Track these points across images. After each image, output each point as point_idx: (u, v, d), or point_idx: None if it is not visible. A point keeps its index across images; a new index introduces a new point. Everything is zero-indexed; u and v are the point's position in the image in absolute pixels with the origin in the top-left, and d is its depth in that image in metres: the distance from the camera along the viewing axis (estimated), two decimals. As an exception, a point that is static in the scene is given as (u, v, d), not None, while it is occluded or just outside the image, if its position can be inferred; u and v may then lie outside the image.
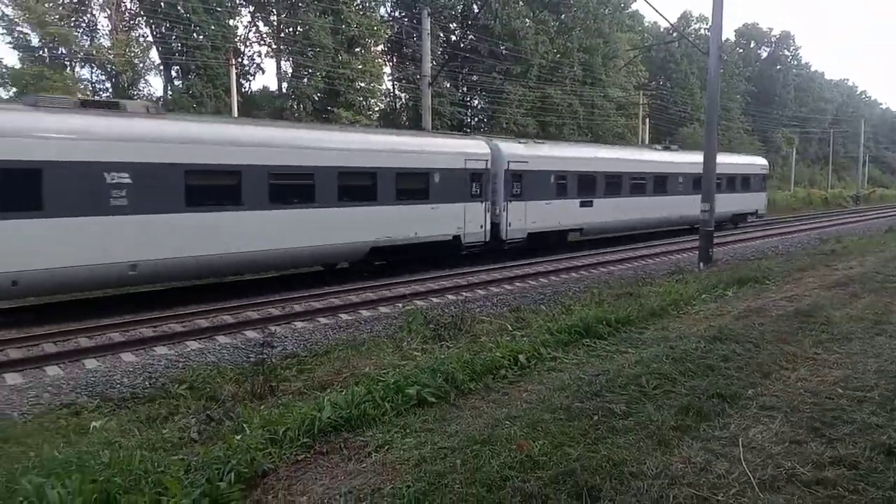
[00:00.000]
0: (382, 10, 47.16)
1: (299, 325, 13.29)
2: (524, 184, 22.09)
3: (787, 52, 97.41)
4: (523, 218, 22.10)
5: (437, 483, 4.72)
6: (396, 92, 49.63)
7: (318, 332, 12.89)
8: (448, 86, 47.20)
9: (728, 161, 32.77)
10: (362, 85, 43.25)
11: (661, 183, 28.59)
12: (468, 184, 20.18)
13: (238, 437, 5.53)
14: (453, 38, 49.79)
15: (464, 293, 16.46)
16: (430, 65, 28.18)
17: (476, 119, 52.21)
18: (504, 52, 47.62)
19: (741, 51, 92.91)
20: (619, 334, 9.44)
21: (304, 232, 16.09)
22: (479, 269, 20.10)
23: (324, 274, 18.80)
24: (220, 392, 8.25)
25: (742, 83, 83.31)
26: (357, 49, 42.82)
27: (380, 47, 45.87)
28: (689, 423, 5.83)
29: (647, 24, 77.30)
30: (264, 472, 5.04)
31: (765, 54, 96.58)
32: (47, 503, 4.51)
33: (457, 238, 20.03)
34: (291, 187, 15.88)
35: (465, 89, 51.14)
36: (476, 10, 47.64)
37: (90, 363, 10.59)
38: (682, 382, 6.90)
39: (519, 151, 22.33)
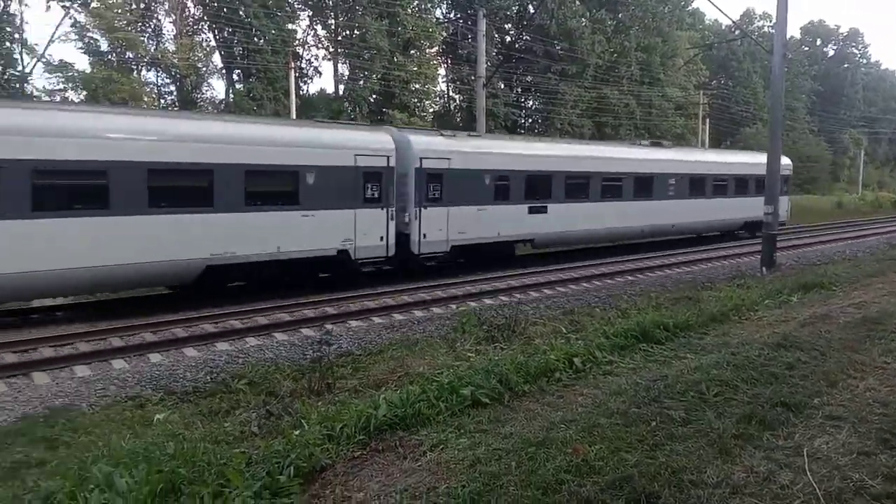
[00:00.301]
0: (438, 12, 47.46)
1: (354, 324, 13.45)
2: (446, 185, 18.27)
3: (855, 50, 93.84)
4: (444, 227, 18.31)
5: (491, 484, 4.72)
6: (450, 93, 49.82)
7: (372, 331, 13.02)
8: (502, 87, 47.12)
9: (737, 160, 29.83)
10: (417, 87, 43.59)
11: (644, 185, 24.50)
12: (360, 185, 16.38)
13: (297, 433, 5.64)
14: (508, 38, 49.65)
15: (516, 295, 16.39)
16: (485, 66, 28.19)
17: (530, 120, 51.96)
18: (559, 52, 47.24)
19: (807, 49, 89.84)
20: (678, 339, 9.25)
21: (89, 248, 12.37)
22: (531, 270, 19.96)
23: (377, 275, 18.79)
24: (279, 388, 8.44)
25: (808, 82, 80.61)
26: (412, 51, 43.16)
27: (435, 49, 46.12)
28: (751, 431, 5.66)
29: (707, 22, 75.58)
30: (322, 468, 5.13)
31: (832, 52, 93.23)
32: (116, 491, 4.69)
33: (344, 253, 16.30)
34: (71, 189, 12.28)
35: (519, 90, 50.94)
36: (532, 11, 47.40)
37: (154, 357, 10.95)
38: (744, 390, 6.71)
39: (437, 146, 18.52)
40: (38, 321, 12.79)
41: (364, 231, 16.49)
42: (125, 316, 13.45)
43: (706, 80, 63.83)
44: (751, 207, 28.70)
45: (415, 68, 42.45)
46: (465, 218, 18.79)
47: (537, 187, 20.75)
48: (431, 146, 18.35)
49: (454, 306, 15.05)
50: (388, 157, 17.03)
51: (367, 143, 16.93)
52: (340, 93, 42.25)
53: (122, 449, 5.74)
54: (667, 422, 5.86)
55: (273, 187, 15.12)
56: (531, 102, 52.56)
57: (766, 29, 74.14)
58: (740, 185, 28.83)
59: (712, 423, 5.80)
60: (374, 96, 42.35)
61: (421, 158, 17.75)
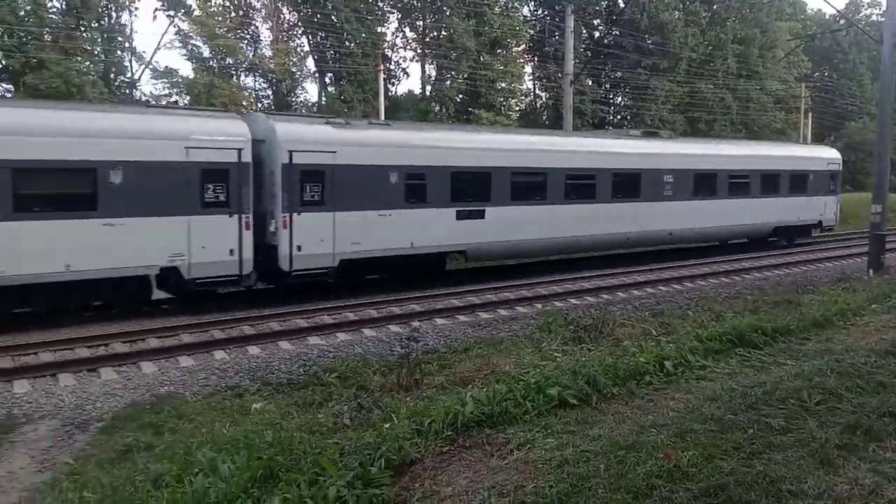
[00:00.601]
0: (525, 10, 47.19)
1: (439, 321, 13.63)
2: (330, 185, 14.73)
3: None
4: (329, 237, 14.75)
5: (579, 486, 4.69)
6: (537, 91, 49.44)
7: (457, 329, 13.16)
8: (590, 83, 46.33)
9: (764, 153, 25.45)
10: (503, 85, 43.51)
11: (628, 183, 20.47)
12: (197, 186, 13.24)
13: (387, 426, 5.79)
14: (597, 34, 48.78)
15: (603, 295, 16.12)
16: (573, 63, 27.83)
17: (619, 116, 50.87)
18: (650, 46, 45.97)
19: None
20: (777, 344, 8.84)
21: None
22: (618, 271, 19.56)
23: (463, 272, 18.90)
24: (369, 382, 8.67)
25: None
26: (499, 50, 43.14)
27: (521, 47, 45.90)
28: (856, 442, 5.37)
29: (809, 12, 71.64)
30: (411, 461, 5.24)
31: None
32: (219, 475, 4.96)
33: (173, 270, 13.24)
34: None
35: (607, 86, 49.95)
36: (622, 5, 46.36)
37: (252, 350, 11.47)
38: (848, 399, 6.36)
39: (315, 136, 14.92)
40: (147, 313, 13.61)
41: (204, 244, 13.33)
42: (226, 309, 14.11)
43: (808, 72, 60.47)
44: (784, 209, 24.69)
45: (501, 67, 42.37)
46: (360, 226, 15.24)
47: (469, 187, 16.95)
48: (307, 136, 14.86)
49: (539, 305, 14.98)
50: (239, 150, 13.72)
51: (207, 132, 13.63)
52: (427, 93, 42.75)
53: (224, 436, 6.07)
54: (765, 430, 5.64)
55: (60, 188, 12.20)
56: (620, 99, 51.42)
57: (874, 17, 69.47)
58: (768, 182, 24.33)
59: (814, 433, 5.53)
60: (461, 96, 42.60)
61: (290, 152, 14.30)
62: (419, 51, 43.36)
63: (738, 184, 23.42)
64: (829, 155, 27.37)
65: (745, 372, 7.58)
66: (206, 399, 9.61)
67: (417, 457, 5.35)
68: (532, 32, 44.73)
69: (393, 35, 43.60)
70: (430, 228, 16.36)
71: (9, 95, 28.54)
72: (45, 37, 28.36)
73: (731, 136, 46.51)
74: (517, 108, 47.09)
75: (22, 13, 28.00)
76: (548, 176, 18.50)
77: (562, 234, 18.86)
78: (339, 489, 4.62)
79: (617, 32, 46.10)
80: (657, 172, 21.26)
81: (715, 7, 50.97)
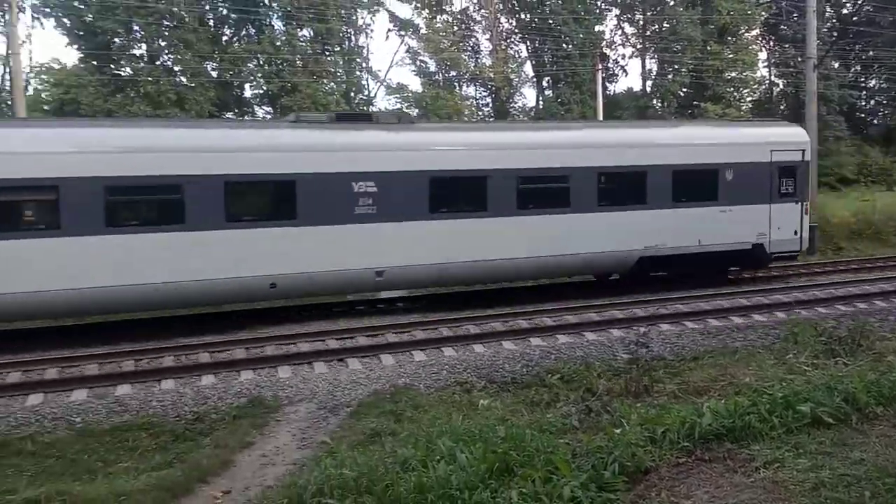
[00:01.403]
0: (758, -8, 43.56)
1: (665, 327, 13.06)
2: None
3: None
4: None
5: (840, 513, 4.25)
6: (772, 79, 45.37)
7: (685, 336, 12.53)
8: (836, 66, 41.44)
9: (600, 138, 16.58)
10: (732, 75, 40.58)
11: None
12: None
13: (618, 431, 5.71)
14: (844, 11, 43.51)
15: (856, 304, 14.33)
16: (815, 44, 25.09)
17: (872, 101, 44.93)
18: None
19: None
20: None
21: None
22: (874, 277, 17.25)
23: (695, 278, 17.82)
24: (595, 385, 8.61)
25: None
26: (728, 38, 40.32)
27: (754, 32, 42.45)
28: None
29: None
30: (646, 470, 5.13)
31: None
32: (458, 464, 5.26)
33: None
34: None
35: (857, 69, 44.31)
36: (876, -25, 40.86)
37: (478, 348, 11.92)
38: None
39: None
40: (385, 310, 14.79)
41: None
42: (452, 309, 14.82)
43: None
44: (659, 229, 15.93)
45: (730, 55, 39.54)
46: None
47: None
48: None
49: (780, 314, 13.73)
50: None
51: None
52: (648, 89, 41.30)
53: (460, 428, 6.42)
54: None
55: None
56: (873, 82, 45.33)
57: None
58: (618, 185, 15.89)
59: None
60: (684, 90, 40.51)
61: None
62: (639, 46, 42.04)
63: (541, 191, 15.15)
64: (785, 138, 17.71)
65: None
66: (437, 392, 10.21)
67: (652, 465, 5.22)
68: (766, 15, 41.14)
69: (611, 33, 42.78)
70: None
71: (268, 117, 32.68)
72: (297, 62, 32.04)
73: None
74: (749, 99, 43.59)
75: (278, 43, 31.94)
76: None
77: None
78: (574, 490, 4.66)
79: (869, 7, 40.70)
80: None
81: None
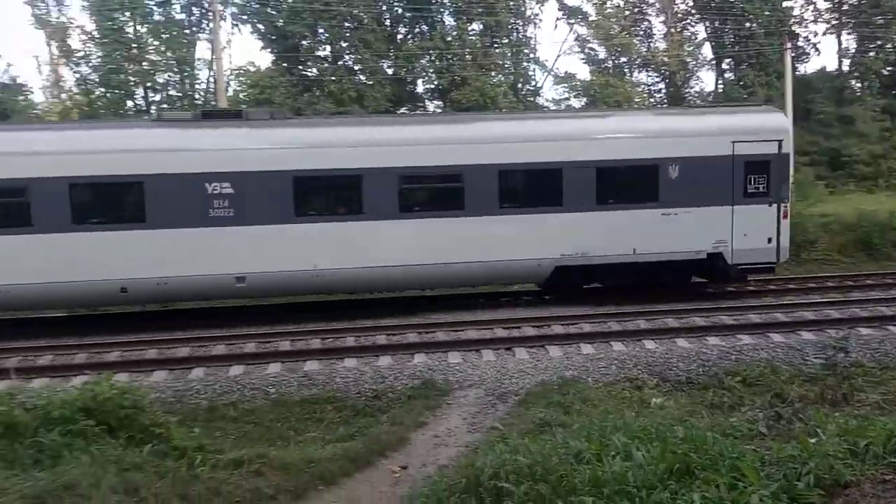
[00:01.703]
0: None
1: (864, 331, 11.88)
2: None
3: None
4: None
5: None
6: None
7: (887, 341, 11.34)
8: None
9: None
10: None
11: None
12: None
13: (812, 441, 5.29)
14: None
15: None
16: None
17: None
18: None
19: None
20: None
21: None
22: None
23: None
24: (785, 391, 8.04)
25: None
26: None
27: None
28: None
29: None
30: (846, 484, 4.71)
31: None
32: (634, 462, 5.15)
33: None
34: None
35: None
36: None
37: (648, 344, 11.54)
38: None
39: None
40: (548, 302, 14.81)
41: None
42: (623, 303, 14.43)
43: None
44: (578, 236, 14.06)
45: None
46: None
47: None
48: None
49: None
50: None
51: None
52: (845, 69, 37.32)
53: (634, 425, 6.27)
54: None
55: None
56: None
57: None
58: (525, 185, 14.39)
59: None
60: (889, 68, 36.14)
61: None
62: (833, 22, 38.07)
63: (428, 192, 14.20)
64: (743, 124, 15.04)
65: None
66: (606, 387, 10.07)
67: (852, 480, 4.77)
68: None
69: (801, 8, 39.10)
70: None
71: (438, 111, 33.64)
72: (467, 56, 32.65)
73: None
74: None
75: (449, 38, 32.71)
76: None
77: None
78: (763, 499, 4.39)
79: None
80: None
81: None
